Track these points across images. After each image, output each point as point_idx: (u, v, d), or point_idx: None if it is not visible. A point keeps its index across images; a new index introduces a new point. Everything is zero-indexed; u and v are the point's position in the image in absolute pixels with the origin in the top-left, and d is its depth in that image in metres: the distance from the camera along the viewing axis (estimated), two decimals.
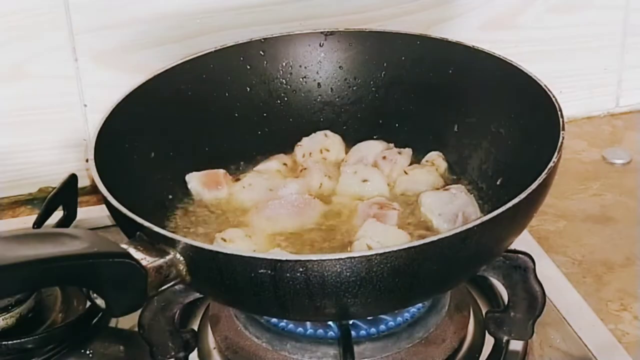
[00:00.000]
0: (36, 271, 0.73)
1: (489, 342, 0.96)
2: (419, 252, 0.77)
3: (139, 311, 0.89)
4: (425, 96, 1.10)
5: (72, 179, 1.13)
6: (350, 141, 1.11)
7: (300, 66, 1.13)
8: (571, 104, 1.35)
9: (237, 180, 1.06)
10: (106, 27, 1.19)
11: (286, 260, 0.76)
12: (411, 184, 1.04)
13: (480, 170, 1.04)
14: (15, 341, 0.98)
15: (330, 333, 0.92)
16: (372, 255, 0.76)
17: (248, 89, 1.11)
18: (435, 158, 1.07)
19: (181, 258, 0.79)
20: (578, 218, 1.19)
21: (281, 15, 1.22)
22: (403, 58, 1.10)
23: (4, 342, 0.98)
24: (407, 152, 1.08)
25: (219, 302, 0.96)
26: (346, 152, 1.10)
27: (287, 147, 1.11)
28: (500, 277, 0.91)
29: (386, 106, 1.12)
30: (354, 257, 0.76)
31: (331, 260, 0.76)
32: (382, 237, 0.93)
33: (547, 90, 0.95)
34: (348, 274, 0.76)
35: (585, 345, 0.97)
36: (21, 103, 1.21)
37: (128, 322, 1.03)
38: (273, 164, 1.09)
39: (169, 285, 0.80)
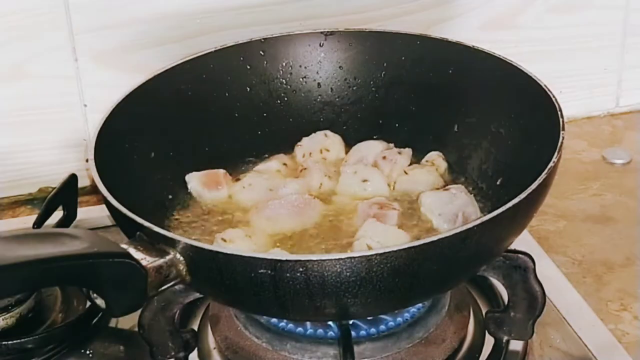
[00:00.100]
0: (36, 271, 0.73)
1: (489, 342, 0.96)
2: (419, 252, 0.77)
3: (139, 311, 0.89)
4: (425, 96, 1.10)
5: (72, 179, 1.13)
6: (350, 141, 1.11)
7: (300, 66, 1.13)
8: (571, 104, 1.35)
9: (237, 180, 1.06)
10: (106, 27, 1.19)
11: (286, 260, 0.76)
12: (411, 184, 1.04)
13: (480, 170, 1.04)
14: (15, 341, 0.98)
15: (330, 333, 0.92)
16: (372, 255, 0.76)
17: (248, 89, 1.11)
18: (435, 158, 1.07)
19: (181, 258, 0.79)
20: (578, 218, 1.19)
21: (281, 15, 1.22)
22: (403, 58, 1.10)
23: (4, 342, 0.98)
24: (407, 152, 1.08)
25: (219, 302, 0.96)
26: (346, 152, 1.10)
27: (287, 147, 1.11)
28: (500, 277, 0.91)
29: (386, 106, 1.12)
30: (354, 257, 0.76)
31: (331, 260, 0.76)
32: (382, 237, 0.93)
33: (547, 90, 0.95)
34: (348, 274, 0.76)
35: (585, 345, 0.97)
36: (21, 103, 1.21)
37: (128, 322, 1.03)
38: (273, 164, 1.09)
39: (169, 285, 0.80)
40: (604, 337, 0.98)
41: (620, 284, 1.07)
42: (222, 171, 1.06)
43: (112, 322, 1.04)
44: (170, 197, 1.04)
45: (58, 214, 1.13)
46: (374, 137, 1.11)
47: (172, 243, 0.79)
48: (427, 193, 1.01)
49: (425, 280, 0.80)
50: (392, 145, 1.09)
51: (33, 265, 0.72)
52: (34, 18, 1.17)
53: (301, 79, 1.13)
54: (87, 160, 1.04)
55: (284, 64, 1.12)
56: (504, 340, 0.94)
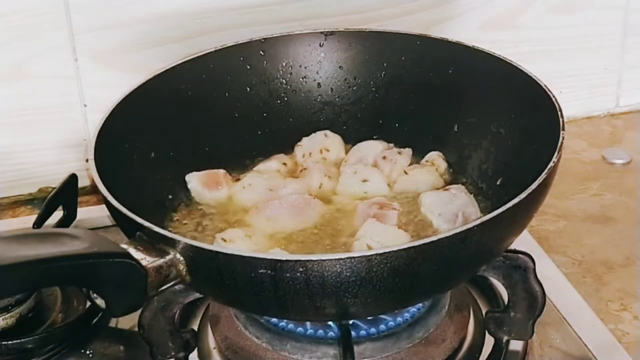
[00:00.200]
0: (36, 271, 0.73)
1: (489, 342, 0.96)
2: (419, 252, 0.77)
3: (139, 311, 0.89)
4: (425, 96, 1.10)
5: (72, 179, 1.13)
6: (350, 141, 1.11)
7: (300, 66, 1.13)
8: (571, 104, 1.35)
9: (237, 180, 1.06)
10: (106, 27, 1.19)
11: (286, 260, 0.76)
12: (411, 184, 1.04)
13: (480, 170, 1.04)
14: (15, 341, 0.98)
15: (330, 333, 0.92)
16: (372, 255, 0.76)
17: (248, 89, 1.11)
18: (435, 158, 1.07)
19: (181, 258, 0.79)
20: (578, 218, 1.19)
21: (281, 15, 1.22)
22: (403, 58, 1.10)
23: (4, 342, 0.98)
24: (407, 152, 1.08)
25: (219, 302, 0.96)
26: (346, 152, 1.10)
27: (287, 147, 1.11)
28: (500, 277, 0.91)
29: (386, 106, 1.12)
30: (354, 257, 0.76)
31: (331, 260, 0.76)
32: (382, 237, 0.93)
33: (547, 90, 0.95)
34: (348, 274, 0.76)
35: (585, 345, 0.97)
36: (21, 103, 1.21)
37: (128, 322, 1.03)
38: (273, 164, 1.09)
39: (169, 285, 0.80)
40: (604, 337, 0.98)
41: (620, 284, 1.07)
42: (222, 171, 1.06)
43: (112, 322, 1.04)
44: (170, 197, 1.04)
45: (58, 214, 1.13)
46: (374, 137, 1.11)
47: (172, 243, 0.79)
48: (427, 193, 1.01)
49: (425, 280, 0.80)
50: (392, 145, 1.09)
51: (33, 265, 0.72)
52: (34, 18, 1.17)
53: (301, 79, 1.13)
54: (87, 160, 1.04)
55: (284, 64, 1.12)
56: (504, 340, 0.94)
